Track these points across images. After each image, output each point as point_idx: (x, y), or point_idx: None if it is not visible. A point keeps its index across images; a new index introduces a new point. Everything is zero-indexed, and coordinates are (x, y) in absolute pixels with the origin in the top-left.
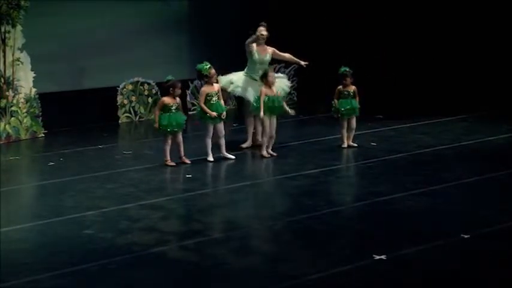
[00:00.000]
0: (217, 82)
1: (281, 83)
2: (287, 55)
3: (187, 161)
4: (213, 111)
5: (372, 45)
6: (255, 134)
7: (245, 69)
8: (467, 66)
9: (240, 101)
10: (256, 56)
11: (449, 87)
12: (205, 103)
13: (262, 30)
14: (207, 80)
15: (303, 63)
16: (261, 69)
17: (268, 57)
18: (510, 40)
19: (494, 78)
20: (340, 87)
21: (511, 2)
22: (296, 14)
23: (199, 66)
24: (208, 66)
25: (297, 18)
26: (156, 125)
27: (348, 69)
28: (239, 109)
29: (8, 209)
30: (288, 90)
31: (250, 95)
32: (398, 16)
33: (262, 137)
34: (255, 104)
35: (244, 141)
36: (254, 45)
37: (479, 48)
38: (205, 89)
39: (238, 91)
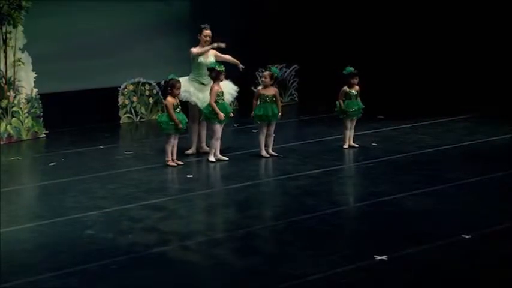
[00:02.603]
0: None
1: (228, 88)
2: (227, 56)
3: (181, 162)
4: (221, 111)
5: (373, 45)
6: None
7: (191, 74)
8: (469, 66)
9: (190, 106)
10: (201, 59)
11: (450, 87)
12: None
13: (207, 34)
14: (217, 79)
15: (240, 66)
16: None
17: (212, 59)
18: None
19: (496, 79)
20: (345, 87)
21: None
22: (296, 14)
23: (212, 64)
24: (216, 65)
25: (297, 18)
26: (181, 126)
27: (354, 69)
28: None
29: (10, 210)
30: (235, 94)
31: (199, 100)
32: (400, 16)
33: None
34: (205, 110)
35: (189, 148)
36: (199, 49)
37: (481, 48)
38: (216, 87)
39: (186, 96)
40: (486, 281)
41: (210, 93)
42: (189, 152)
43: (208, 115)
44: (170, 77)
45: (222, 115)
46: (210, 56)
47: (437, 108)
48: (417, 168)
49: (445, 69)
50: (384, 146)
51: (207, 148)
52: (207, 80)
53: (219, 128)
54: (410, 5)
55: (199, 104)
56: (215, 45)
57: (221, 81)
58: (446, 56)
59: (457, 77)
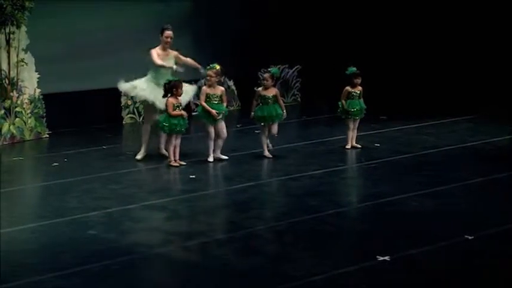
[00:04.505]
0: (221, 85)
1: (186, 87)
2: (189, 60)
3: (183, 163)
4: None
5: (376, 45)
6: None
7: (148, 75)
8: (472, 66)
9: (145, 106)
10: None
11: (454, 87)
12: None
13: (169, 35)
14: (207, 80)
15: (201, 70)
16: (166, 74)
17: (172, 62)
18: None
19: (499, 79)
20: (348, 87)
21: None
22: (299, 14)
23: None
24: (210, 66)
25: (299, 18)
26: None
27: (356, 70)
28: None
29: (12, 210)
30: (191, 93)
31: (156, 100)
32: (403, 17)
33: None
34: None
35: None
36: (160, 50)
37: (485, 48)
38: (206, 89)
39: (143, 95)
40: (489, 281)
41: (200, 93)
42: (139, 157)
43: (199, 114)
44: (172, 78)
45: (213, 111)
46: (170, 59)
47: (440, 109)
48: (420, 169)
49: (448, 70)
50: (387, 147)
51: (165, 152)
52: (163, 81)
53: (211, 129)
54: (413, 5)
55: (157, 103)
56: (174, 67)
57: (212, 86)
58: (449, 56)
59: (460, 78)
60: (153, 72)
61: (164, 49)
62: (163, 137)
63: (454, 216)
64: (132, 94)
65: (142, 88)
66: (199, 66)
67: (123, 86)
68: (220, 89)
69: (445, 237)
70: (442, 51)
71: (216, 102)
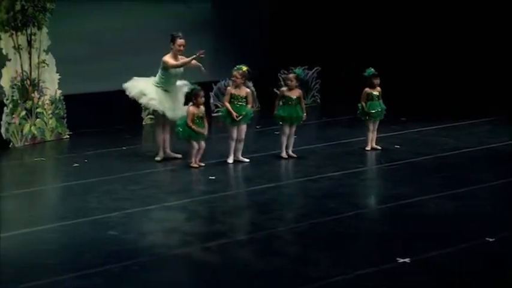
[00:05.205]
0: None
1: (181, 86)
2: (193, 62)
3: (202, 164)
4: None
5: (396, 46)
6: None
7: (157, 80)
8: (492, 68)
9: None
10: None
11: (473, 89)
12: (230, 104)
13: (182, 44)
14: (232, 81)
15: (202, 69)
16: (176, 80)
17: (182, 69)
18: None
19: None
20: (367, 89)
21: None
22: (317, 15)
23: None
24: (237, 67)
25: (319, 20)
26: (205, 131)
27: (375, 71)
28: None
29: (33, 210)
30: (185, 89)
31: (166, 110)
32: (423, 18)
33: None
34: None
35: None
36: (172, 58)
37: (505, 50)
38: (231, 89)
39: (154, 104)
40: (511, 284)
41: (226, 93)
42: (158, 158)
43: (223, 114)
44: (191, 86)
45: (234, 114)
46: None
47: (460, 111)
48: (440, 171)
49: (468, 71)
50: (407, 148)
51: (173, 154)
52: (172, 87)
53: (233, 129)
54: (433, 6)
55: (167, 113)
56: (203, 69)
57: (238, 87)
58: (469, 58)
59: (479, 79)
60: (163, 78)
61: (175, 56)
62: (168, 140)
63: (474, 218)
64: (142, 101)
65: (152, 98)
66: (200, 65)
67: (131, 91)
68: (246, 91)
69: (465, 239)
70: (462, 53)
71: (240, 103)
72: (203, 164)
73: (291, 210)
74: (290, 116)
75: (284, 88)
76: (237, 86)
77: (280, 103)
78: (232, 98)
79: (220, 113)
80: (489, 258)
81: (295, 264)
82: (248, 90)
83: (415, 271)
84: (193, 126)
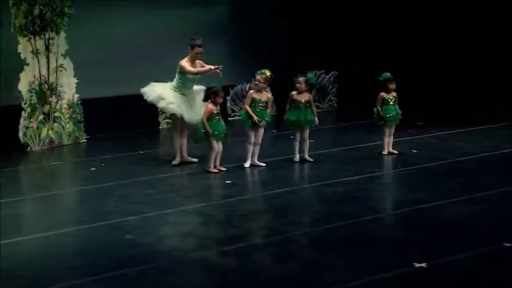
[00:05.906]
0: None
1: (199, 92)
2: (207, 66)
3: (223, 169)
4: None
5: (412, 51)
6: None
7: (174, 84)
8: (509, 73)
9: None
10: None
11: (490, 94)
12: (250, 108)
13: (200, 52)
14: (255, 85)
15: (218, 71)
16: (192, 85)
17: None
18: None
19: None
20: (382, 93)
21: None
22: (334, 20)
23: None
24: (260, 71)
25: (336, 24)
26: (209, 132)
27: (390, 75)
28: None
29: (51, 214)
30: (201, 93)
31: (184, 113)
32: (439, 23)
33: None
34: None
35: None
36: (189, 63)
37: None
38: (252, 93)
39: (172, 108)
40: None
41: (246, 97)
42: (175, 162)
43: (243, 118)
44: (213, 84)
45: (255, 117)
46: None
47: (477, 115)
48: (457, 176)
49: (484, 76)
50: (423, 153)
51: (190, 158)
52: (189, 91)
53: (251, 133)
54: (450, 12)
55: (186, 117)
56: (212, 67)
57: (260, 91)
58: (486, 62)
59: (496, 84)
60: (180, 83)
61: (192, 62)
62: (185, 144)
63: (491, 223)
64: (160, 106)
65: (170, 101)
66: (219, 72)
67: (149, 96)
68: (267, 96)
69: (482, 244)
70: (480, 57)
71: (261, 108)
72: (224, 169)
73: (307, 214)
74: (299, 119)
75: (294, 92)
76: (258, 90)
77: (291, 107)
78: (253, 102)
79: (239, 117)
80: (506, 263)
81: (311, 269)
82: (269, 95)
83: (431, 276)
84: (207, 125)
